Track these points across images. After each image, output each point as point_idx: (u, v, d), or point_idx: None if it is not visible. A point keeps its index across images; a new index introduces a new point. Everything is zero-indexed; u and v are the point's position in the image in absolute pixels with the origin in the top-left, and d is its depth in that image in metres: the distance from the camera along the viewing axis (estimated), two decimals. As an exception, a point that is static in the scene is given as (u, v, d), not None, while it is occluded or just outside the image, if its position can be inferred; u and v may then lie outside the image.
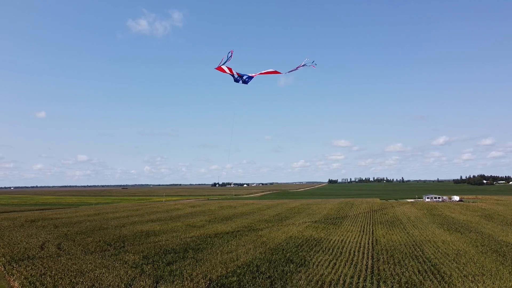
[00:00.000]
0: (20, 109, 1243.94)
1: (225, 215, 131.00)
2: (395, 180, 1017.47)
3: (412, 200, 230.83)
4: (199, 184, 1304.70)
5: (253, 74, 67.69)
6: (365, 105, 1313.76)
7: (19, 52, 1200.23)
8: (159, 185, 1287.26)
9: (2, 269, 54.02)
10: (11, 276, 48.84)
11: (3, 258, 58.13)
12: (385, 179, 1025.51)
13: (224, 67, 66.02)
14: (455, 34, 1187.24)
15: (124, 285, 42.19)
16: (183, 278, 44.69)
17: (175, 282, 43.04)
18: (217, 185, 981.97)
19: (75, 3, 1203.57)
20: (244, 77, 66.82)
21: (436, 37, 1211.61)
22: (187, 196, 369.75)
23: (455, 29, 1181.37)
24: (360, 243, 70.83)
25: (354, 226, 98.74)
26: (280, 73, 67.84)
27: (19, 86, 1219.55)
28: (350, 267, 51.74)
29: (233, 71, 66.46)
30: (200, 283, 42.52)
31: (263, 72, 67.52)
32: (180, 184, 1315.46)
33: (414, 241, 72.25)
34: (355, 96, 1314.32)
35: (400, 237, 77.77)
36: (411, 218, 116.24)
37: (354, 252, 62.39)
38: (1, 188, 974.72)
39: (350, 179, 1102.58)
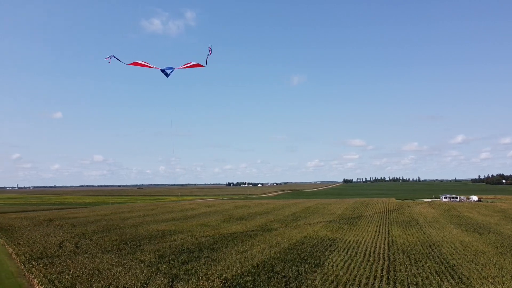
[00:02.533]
0: (37, 110, 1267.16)
1: (239, 214, 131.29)
2: (411, 179, 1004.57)
3: (428, 200, 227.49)
4: (214, 184, 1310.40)
5: (177, 68, 68.33)
6: (381, 104, 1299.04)
7: (34, 53, 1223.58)
8: (174, 185, 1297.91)
9: (22, 267, 55.24)
10: (31, 274, 49.91)
11: (23, 257, 59.43)
12: (401, 178, 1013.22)
13: (139, 61, 66.78)
14: (474, 32, 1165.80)
15: (140, 283, 42.66)
16: (198, 277, 44.97)
17: (191, 281, 43.32)
18: (231, 184, 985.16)
19: (89, 4, 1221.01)
20: (168, 70, 67.34)
21: (454, 35, 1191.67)
22: (201, 196, 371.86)
23: (475, 27, 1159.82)
24: (375, 244, 70.15)
25: (369, 226, 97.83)
26: (202, 66, 67.89)
27: (35, 87, 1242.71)
28: (366, 267, 51.28)
29: (150, 65, 66.99)
30: (215, 282, 42.71)
31: (186, 65, 67.77)
32: (195, 184, 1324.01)
33: (431, 242, 71.21)
34: (371, 95, 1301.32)
35: (417, 238, 76.74)
36: (428, 218, 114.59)
37: (370, 252, 61.81)
38: (21, 188, 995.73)
39: (365, 178, 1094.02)
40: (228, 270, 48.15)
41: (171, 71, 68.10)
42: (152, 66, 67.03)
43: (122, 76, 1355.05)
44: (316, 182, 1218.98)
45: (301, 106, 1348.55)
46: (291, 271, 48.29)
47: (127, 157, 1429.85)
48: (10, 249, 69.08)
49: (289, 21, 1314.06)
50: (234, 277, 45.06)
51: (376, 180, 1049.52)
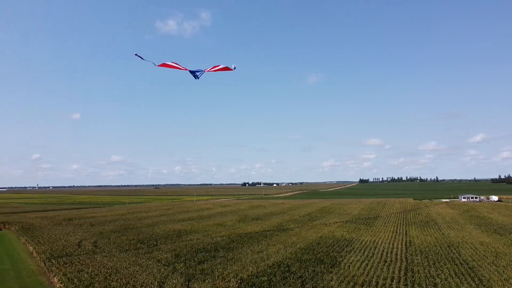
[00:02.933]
0: (56, 111, 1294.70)
1: (255, 214, 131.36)
2: (429, 179, 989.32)
3: (447, 200, 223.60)
4: (229, 184, 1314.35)
5: (205, 70, 68.40)
6: (398, 103, 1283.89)
7: (53, 55, 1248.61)
8: (190, 184, 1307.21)
9: (43, 265, 56.43)
10: (51, 273, 50.95)
11: (43, 255, 60.66)
12: (418, 178, 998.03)
13: (169, 62, 66.89)
14: (494, 31, 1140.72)
15: (157, 283, 43.06)
16: (214, 277, 45.15)
17: (207, 281, 43.54)
18: (246, 184, 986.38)
19: (105, 6, 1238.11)
20: (198, 74, 67.38)
21: (473, 33, 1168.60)
22: (217, 196, 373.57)
23: (497, 26, 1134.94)
24: (393, 244, 69.30)
25: (386, 226, 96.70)
26: (231, 69, 68.14)
27: (54, 88, 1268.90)
28: (383, 268, 50.70)
29: (181, 66, 67.05)
30: (231, 282, 42.81)
31: (214, 68, 67.83)
32: (211, 184, 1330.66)
33: (449, 243, 69.98)
34: (388, 94, 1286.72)
35: (435, 238, 75.51)
36: (447, 219, 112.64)
37: (387, 253, 61.08)
38: (41, 187, 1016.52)
39: (382, 178, 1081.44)
40: (244, 270, 48.21)
41: (201, 74, 68.62)
42: (182, 67, 67.53)
43: (139, 77, 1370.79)
44: (332, 182, 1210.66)
45: (317, 105, 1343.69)
46: (307, 271, 48.08)
47: (144, 158, 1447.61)
48: (31, 247, 70.65)
49: (305, 20, 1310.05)
50: (250, 277, 45.09)
51: (393, 180, 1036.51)
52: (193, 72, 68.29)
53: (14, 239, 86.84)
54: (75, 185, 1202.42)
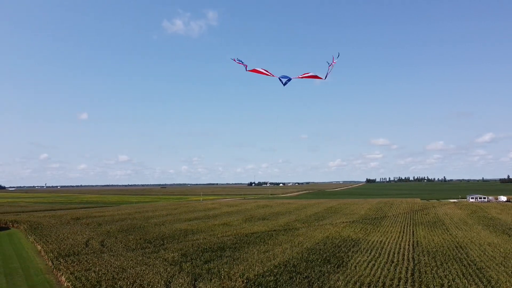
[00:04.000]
0: (64, 111, 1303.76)
1: (261, 214, 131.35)
2: (436, 179, 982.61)
3: (455, 200, 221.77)
4: (235, 184, 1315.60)
5: (293, 77, 67.91)
6: (405, 102, 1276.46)
7: (62, 55, 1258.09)
8: (196, 184, 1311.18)
9: (51, 264, 56.92)
10: (59, 271, 51.38)
11: (51, 254, 61.19)
12: (426, 178, 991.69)
13: (259, 69, 66.61)
14: (502, 30, 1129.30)
15: (164, 282, 43.22)
16: (221, 277, 45.22)
17: (213, 280, 43.61)
18: (253, 184, 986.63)
19: (111, 6, 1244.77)
20: (285, 80, 67.20)
21: (482, 33, 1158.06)
22: (223, 196, 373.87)
23: (505, 25, 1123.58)
24: (400, 244, 68.92)
25: (393, 226, 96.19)
26: (320, 78, 67.73)
27: (62, 88, 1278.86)
28: (390, 268, 50.45)
29: (270, 73, 66.84)
30: (237, 281, 42.83)
31: (303, 76, 67.51)
32: (217, 184, 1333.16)
33: (457, 243, 69.44)
34: (395, 93, 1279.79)
35: (443, 239, 74.97)
36: (454, 219, 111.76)
37: (394, 253, 60.78)
38: (49, 187, 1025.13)
39: (389, 178, 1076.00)
40: (250, 270, 48.21)
41: (288, 80, 68.69)
42: (270, 74, 67.96)
43: (145, 77, 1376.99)
44: (339, 182, 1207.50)
45: (324, 105, 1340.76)
46: (314, 271, 47.98)
47: (150, 157, 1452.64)
48: (39, 246, 71.30)
49: (311, 19, 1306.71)
50: (256, 276, 45.08)
51: (400, 180, 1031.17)
52: (280, 79, 68.42)
53: (23, 237, 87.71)
54: (83, 184, 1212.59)
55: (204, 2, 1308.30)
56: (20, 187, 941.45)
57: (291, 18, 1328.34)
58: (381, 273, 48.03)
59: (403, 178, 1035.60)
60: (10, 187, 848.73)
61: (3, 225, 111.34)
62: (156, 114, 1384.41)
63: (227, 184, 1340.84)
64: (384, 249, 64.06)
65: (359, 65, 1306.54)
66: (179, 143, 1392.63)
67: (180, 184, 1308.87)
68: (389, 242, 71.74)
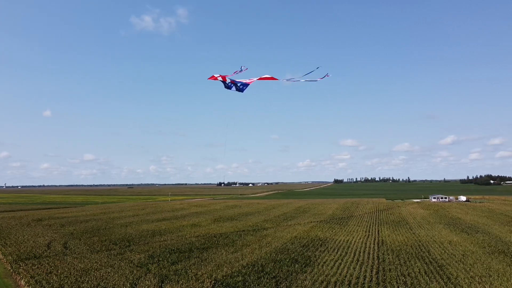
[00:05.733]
0: (26, 108, 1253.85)
1: (230, 214, 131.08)
2: (401, 180, 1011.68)
3: (418, 200, 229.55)
4: (205, 184, 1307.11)
5: (249, 81, 66.55)
6: (373, 104, 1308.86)
7: (23, 51, 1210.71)
8: (165, 184, 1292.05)
9: (9, 267, 54.44)
10: (18, 275, 49.21)
11: (10, 257, 58.59)
12: (391, 179, 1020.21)
13: (216, 75, 65.67)
14: (464, 34, 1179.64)
15: (129, 284, 42.31)
16: (188, 278, 44.75)
17: (180, 282, 43.09)
18: (222, 184, 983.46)
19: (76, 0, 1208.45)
20: (239, 84, 65.71)
21: (444, 36, 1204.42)
22: (192, 196, 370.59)
23: (464, 29, 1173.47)
24: (366, 244, 70.53)
25: (359, 226, 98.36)
26: (277, 79, 66.91)
27: (24, 85, 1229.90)
28: (356, 267, 51.53)
29: (226, 78, 65.71)
30: (205, 282, 42.53)
31: (259, 78, 66.50)
32: (186, 184, 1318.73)
33: (420, 242, 71.80)
34: (362, 96, 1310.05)
35: (406, 238, 77.34)
36: (417, 219, 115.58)
37: (360, 252, 62.12)
38: (9, 187, 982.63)
39: (356, 179, 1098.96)
40: (219, 271, 47.99)
41: (245, 87, 66.23)
42: (227, 79, 65.66)
43: (112, 74, 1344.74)
44: (308, 182, 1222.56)
45: (295, 105, 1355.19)
46: (282, 271, 48.31)
47: (117, 156, 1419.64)
48: (-3, 249, 68.04)
49: (281, 19, 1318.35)
50: (224, 277, 44.93)
51: (366, 180, 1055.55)
52: (235, 84, 66.04)
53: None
54: (46, 184, 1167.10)
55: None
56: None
57: (262, 16, 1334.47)
58: (347, 271, 48.96)
59: (370, 178, 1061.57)
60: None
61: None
62: (124, 112, 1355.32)
63: (197, 184, 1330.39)
64: (350, 248, 65.36)
65: (328, 66, 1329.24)
66: (147, 142, 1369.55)
67: (148, 184, 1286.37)
68: (355, 241, 73.27)
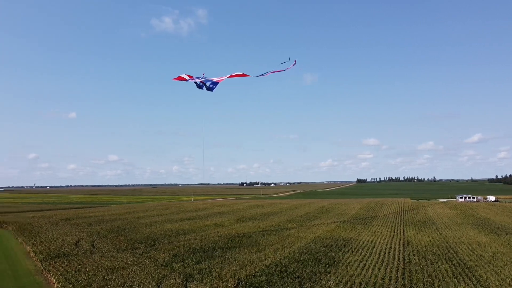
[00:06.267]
0: (52, 110, 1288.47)
1: (252, 214, 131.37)
2: (426, 179, 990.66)
3: (444, 200, 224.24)
4: (227, 184, 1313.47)
5: (218, 79, 65.75)
6: (396, 102, 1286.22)
7: (48, 54, 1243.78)
8: (187, 184, 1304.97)
9: (40, 265, 56.20)
10: (48, 272, 50.76)
11: (41, 255, 60.44)
12: (415, 178, 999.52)
13: (184, 75, 65.23)
14: (490, 31, 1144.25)
15: (155, 283, 43.00)
16: (212, 277, 45.12)
17: (204, 281, 43.51)
18: (244, 184, 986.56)
19: (99, 2, 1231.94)
20: (208, 84, 65.02)
21: (470, 34, 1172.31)
22: (214, 196, 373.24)
23: (494, 26, 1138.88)
24: (390, 244, 69.43)
25: (384, 226, 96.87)
26: (248, 75, 66.09)
27: (51, 89, 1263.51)
28: (381, 268, 50.79)
29: (193, 77, 65.20)
30: (229, 282, 42.79)
31: (229, 75, 65.75)
32: (208, 184, 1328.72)
33: (447, 243, 70.14)
34: (385, 94, 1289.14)
35: (433, 238, 75.69)
36: (444, 219, 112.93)
37: (385, 253, 61.21)
38: (38, 187, 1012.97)
39: (380, 178, 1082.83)
40: (242, 270, 48.20)
41: (215, 86, 66.13)
42: (195, 79, 65.98)
43: (135, 76, 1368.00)
44: (330, 182, 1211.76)
45: (314, 105, 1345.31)
46: (305, 271, 48.11)
47: (141, 157, 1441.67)
48: (28, 247, 70.31)
49: (301, 19, 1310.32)
50: (248, 277, 45.08)
51: (390, 180, 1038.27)
52: (204, 84, 65.83)
53: (11, 238, 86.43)
54: (72, 184, 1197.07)
55: (193, 0, 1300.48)
56: (8, 187, 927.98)
57: (280, 18, 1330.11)
58: (372, 272, 48.33)
59: (394, 178, 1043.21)
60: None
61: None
62: (146, 113, 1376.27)
63: (219, 184, 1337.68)
64: (375, 249, 64.47)
65: (349, 65, 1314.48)
66: (170, 143, 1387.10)
67: (171, 184, 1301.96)
68: (379, 242, 72.23)
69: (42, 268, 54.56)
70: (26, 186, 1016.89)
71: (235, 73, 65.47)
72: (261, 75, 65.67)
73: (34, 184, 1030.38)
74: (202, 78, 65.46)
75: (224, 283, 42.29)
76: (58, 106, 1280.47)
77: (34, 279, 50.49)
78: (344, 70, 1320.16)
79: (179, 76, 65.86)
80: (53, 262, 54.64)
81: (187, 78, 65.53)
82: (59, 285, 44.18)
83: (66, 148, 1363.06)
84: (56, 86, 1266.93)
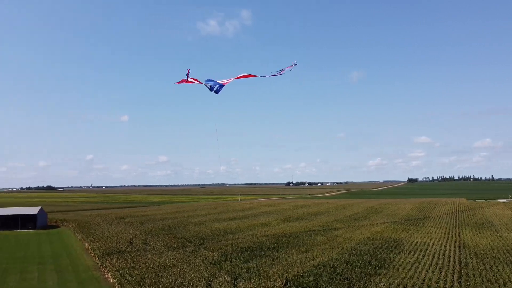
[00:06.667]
0: (107, 114, 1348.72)
1: (299, 214, 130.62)
2: (483, 178, 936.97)
3: (504, 200, 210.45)
4: (273, 184, 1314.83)
5: (227, 81, 65.67)
6: (449, 98, 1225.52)
7: (103, 59, 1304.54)
8: (234, 184, 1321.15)
9: (97, 261, 59.37)
10: (105, 268, 53.52)
11: (98, 251, 63.84)
12: (471, 177, 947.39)
13: (190, 78, 65.45)
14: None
15: (204, 280, 43.97)
16: (260, 276, 45.39)
17: (252, 280, 43.87)
18: (290, 184, 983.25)
19: (146, 8, 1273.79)
20: (217, 86, 65.04)
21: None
22: (261, 195, 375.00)
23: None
24: (445, 246, 66.32)
25: (438, 228, 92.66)
26: (256, 76, 65.74)
27: (104, 92, 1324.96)
28: (435, 271, 48.67)
29: (200, 81, 65.33)
30: (276, 281, 42.85)
31: (236, 77, 65.63)
32: (254, 184, 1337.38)
33: (508, 246, 65.80)
34: (437, 89, 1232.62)
35: (492, 241, 71.34)
36: (504, 220, 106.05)
37: (439, 255, 58.56)
38: (94, 187, 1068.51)
39: (432, 177, 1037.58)
40: (290, 270, 48.09)
41: (221, 88, 67.36)
42: (201, 82, 67.74)
43: (182, 78, 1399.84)
44: (379, 181, 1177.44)
45: (362, 102, 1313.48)
46: (354, 272, 47.14)
47: (189, 158, 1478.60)
48: (86, 244, 74.54)
49: (346, 17, 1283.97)
50: (296, 277, 44.89)
51: (444, 179, 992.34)
52: (212, 87, 67.08)
53: (71, 235, 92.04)
54: (125, 184, 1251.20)
55: (237, 1, 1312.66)
56: (68, 187, 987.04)
57: (327, 14, 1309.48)
58: (425, 275, 46.42)
59: (448, 177, 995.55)
60: (59, 187, 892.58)
61: (54, 224, 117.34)
62: (194, 115, 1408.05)
63: (265, 184, 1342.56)
64: (428, 251, 61.89)
65: (400, 61, 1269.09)
66: (216, 144, 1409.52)
67: (218, 184, 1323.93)
68: (433, 243, 69.23)
69: (99, 264, 57.62)
70: (84, 186, 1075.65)
71: (243, 74, 66.32)
72: (267, 75, 66.29)
73: (91, 184, 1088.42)
74: (210, 82, 66.90)
75: (272, 283, 42.40)
76: (111, 110, 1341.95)
77: (93, 274, 53.42)
78: (393, 66, 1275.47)
79: (183, 80, 67.56)
80: (109, 259, 57.46)
81: (192, 80, 67.05)
82: (115, 280, 46.42)
83: (119, 149, 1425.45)
84: (110, 90, 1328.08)
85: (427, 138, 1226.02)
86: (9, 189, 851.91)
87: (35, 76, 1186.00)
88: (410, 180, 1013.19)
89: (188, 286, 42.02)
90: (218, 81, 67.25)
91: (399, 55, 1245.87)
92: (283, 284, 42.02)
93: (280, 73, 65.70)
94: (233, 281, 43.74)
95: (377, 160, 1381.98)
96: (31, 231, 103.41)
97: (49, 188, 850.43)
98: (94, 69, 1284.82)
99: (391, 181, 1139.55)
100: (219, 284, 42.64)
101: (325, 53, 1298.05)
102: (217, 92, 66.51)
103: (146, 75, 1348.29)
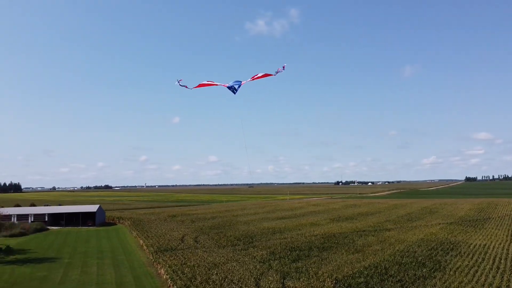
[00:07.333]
0: (159, 116, 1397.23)
1: (349, 214, 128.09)
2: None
3: None
4: (322, 183, 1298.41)
5: (244, 81, 65.64)
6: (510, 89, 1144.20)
7: (155, 62, 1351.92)
8: (282, 183, 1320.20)
9: (151, 257, 61.92)
10: (158, 264, 55.71)
11: (151, 248, 66.53)
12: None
13: (205, 82, 65.44)
14: None
15: (253, 279, 44.42)
16: (309, 276, 45.11)
17: (301, 279, 43.70)
18: (340, 183, 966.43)
19: (195, 10, 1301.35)
20: (236, 86, 64.95)
21: None
22: (310, 195, 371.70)
23: None
24: (507, 250, 62.20)
25: (499, 229, 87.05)
26: (272, 75, 65.22)
27: (157, 95, 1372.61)
28: (496, 276, 45.85)
29: (216, 83, 65.29)
30: (326, 282, 42.39)
31: (252, 78, 65.28)
32: (303, 183, 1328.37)
33: None
34: (498, 80, 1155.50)
35: (561, 245, 65.96)
36: None
37: (501, 259, 55.07)
38: (148, 186, 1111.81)
39: (493, 176, 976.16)
40: (339, 270, 47.37)
41: (238, 86, 68.05)
42: (217, 83, 68.82)
43: (233, 79, 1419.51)
44: (433, 180, 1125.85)
45: (415, 98, 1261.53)
46: (407, 275, 45.53)
47: (238, 158, 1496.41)
48: (141, 241, 77.94)
49: (395, 13, 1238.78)
50: (345, 277, 44.15)
51: (506, 178, 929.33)
52: (230, 87, 67.74)
53: (127, 232, 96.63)
54: (177, 184, 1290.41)
55: (285, 0, 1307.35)
56: (124, 186, 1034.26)
57: (374, 12, 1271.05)
58: (485, 280, 43.87)
59: (510, 176, 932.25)
60: (116, 187, 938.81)
61: (111, 221, 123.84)
62: (242, 115, 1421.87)
63: (313, 183, 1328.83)
64: (488, 254, 58.39)
65: (456, 51, 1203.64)
66: (264, 143, 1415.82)
67: (267, 184, 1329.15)
68: (494, 246, 65.19)
69: (153, 260, 60.06)
70: (138, 186, 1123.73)
71: (259, 75, 66.43)
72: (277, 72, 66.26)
73: (145, 183, 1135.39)
74: (231, 84, 67.38)
75: (321, 283, 42.01)
76: (163, 112, 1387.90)
77: (147, 270, 55.80)
78: (448, 57, 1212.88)
79: (200, 84, 68.37)
80: (162, 255, 59.69)
81: (211, 83, 67.80)
82: (167, 276, 48.19)
83: (171, 150, 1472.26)
84: (161, 92, 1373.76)
85: (487, 134, 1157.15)
86: (71, 188, 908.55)
87: (94, 78, 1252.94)
88: (468, 179, 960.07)
89: (237, 284, 42.66)
90: (238, 82, 68.33)
91: (454, 46, 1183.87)
92: (332, 285, 41.49)
93: (280, 70, 65.67)
94: (282, 280, 43.81)
95: (431, 158, 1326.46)
96: (91, 228, 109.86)
97: (107, 187, 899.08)
98: (151, 72, 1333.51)
99: (447, 180, 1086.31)
100: (268, 282, 42.89)
101: (375, 48, 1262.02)
102: (234, 91, 67.63)
103: (196, 77, 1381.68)
